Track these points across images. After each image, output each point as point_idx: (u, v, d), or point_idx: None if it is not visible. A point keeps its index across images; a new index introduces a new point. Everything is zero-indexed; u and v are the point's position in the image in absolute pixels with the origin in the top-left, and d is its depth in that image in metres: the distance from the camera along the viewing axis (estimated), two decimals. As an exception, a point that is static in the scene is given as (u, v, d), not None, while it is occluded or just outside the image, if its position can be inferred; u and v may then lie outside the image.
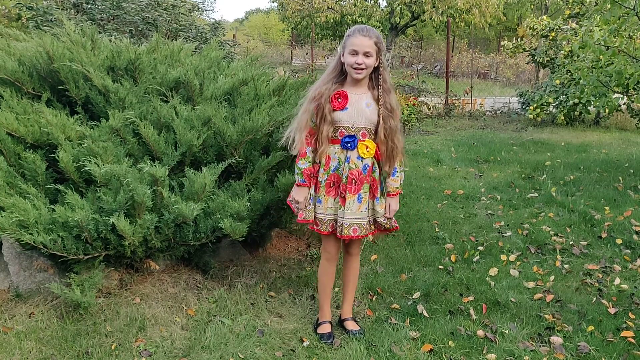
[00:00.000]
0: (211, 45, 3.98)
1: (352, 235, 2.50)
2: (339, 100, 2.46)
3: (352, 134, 2.47)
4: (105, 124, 2.96)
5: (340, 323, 2.70)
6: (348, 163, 2.48)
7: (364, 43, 2.39)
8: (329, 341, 2.60)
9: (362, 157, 2.48)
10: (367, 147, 2.48)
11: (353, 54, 2.40)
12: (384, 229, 2.61)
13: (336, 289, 3.15)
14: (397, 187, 2.57)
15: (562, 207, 4.73)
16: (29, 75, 3.20)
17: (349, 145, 2.47)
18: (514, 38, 12.65)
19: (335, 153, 2.51)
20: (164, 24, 8.31)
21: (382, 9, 21.91)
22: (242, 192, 3.05)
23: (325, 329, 2.68)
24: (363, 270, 3.44)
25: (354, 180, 2.48)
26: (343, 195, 2.49)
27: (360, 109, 2.46)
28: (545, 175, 5.94)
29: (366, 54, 2.40)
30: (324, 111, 2.44)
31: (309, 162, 2.51)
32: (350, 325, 2.66)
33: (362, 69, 2.41)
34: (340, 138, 2.49)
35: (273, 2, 25.51)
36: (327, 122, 2.45)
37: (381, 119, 2.45)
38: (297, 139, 2.51)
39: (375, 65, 2.46)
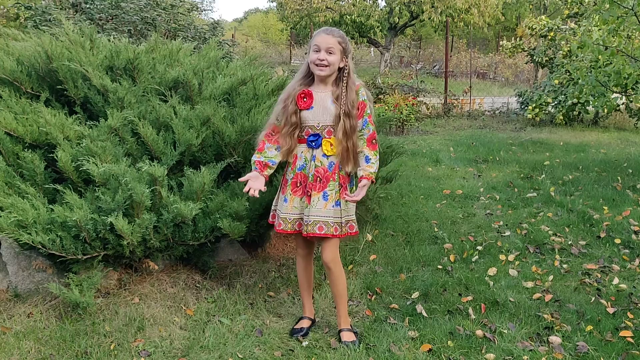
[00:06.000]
0: (210, 45, 3.98)
1: (317, 232, 2.49)
2: (305, 99, 2.51)
3: (317, 132, 2.51)
4: (104, 124, 2.96)
5: (338, 334, 2.68)
6: (314, 161, 2.52)
7: (327, 40, 2.43)
8: (295, 335, 2.65)
9: (327, 155, 2.51)
10: (331, 144, 2.50)
11: (316, 51, 2.45)
12: (349, 233, 2.59)
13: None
14: (371, 173, 2.53)
15: (561, 206, 4.73)
16: (28, 75, 3.20)
17: (313, 143, 2.51)
18: (513, 38, 12.67)
19: (302, 152, 2.55)
20: (163, 23, 8.31)
21: (380, 9, 21.90)
22: (241, 192, 3.04)
23: (300, 324, 2.73)
24: (362, 270, 3.45)
25: (319, 178, 2.51)
26: (309, 194, 2.52)
27: (325, 107, 2.50)
28: (544, 175, 5.95)
29: (329, 51, 2.43)
30: (288, 111, 2.50)
31: (264, 156, 2.54)
32: (345, 336, 2.61)
33: (325, 65, 2.44)
34: (306, 137, 2.53)
35: (272, 1, 25.51)
36: (289, 123, 2.50)
37: (340, 118, 2.46)
38: (260, 135, 2.60)
39: (341, 66, 2.49)
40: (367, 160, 2.55)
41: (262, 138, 2.58)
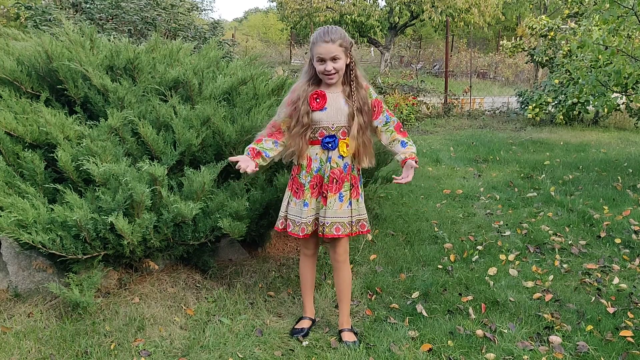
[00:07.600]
0: (210, 45, 3.98)
1: (335, 234, 2.50)
2: (318, 100, 2.46)
3: (332, 133, 2.48)
4: (104, 124, 2.96)
5: (338, 333, 2.69)
6: (329, 163, 2.50)
7: (329, 49, 2.36)
8: (295, 335, 2.65)
9: (343, 156, 2.49)
10: (347, 145, 2.49)
11: (321, 62, 2.39)
12: (360, 232, 2.59)
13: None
14: (413, 153, 2.51)
15: (561, 206, 4.73)
16: (28, 75, 3.20)
17: (330, 145, 2.48)
18: (513, 38, 12.67)
19: (317, 154, 2.51)
20: (163, 23, 8.31)
21: (381, 9, 21.91)
22: (241, 192, 3.05)
23: (301, 324, 2.73)
24: (362, 269, 3.45)
25: (335, 180, 2.50)
26: (325, 195, 2.50)
27: (338, 107, 2.47)
28: (544, 175, 5.95)
29: (334, 59, 2.38)
30: (300, 112, 2.45)
31: (260, 147, 2.46)
32: (346, 336, 2.62)
33: (333, 74, 2.41)
34: (320, 139, 2.49)
35: (272, 1, 25.50)
36: (301, 123, 2.45)
37: (354, 115, 2.45)
38: (260, 132, 2.56)
39: (347, 63, 2.44)
40: (404, 144, 2.52)
41: (262, 134, 2.54)
